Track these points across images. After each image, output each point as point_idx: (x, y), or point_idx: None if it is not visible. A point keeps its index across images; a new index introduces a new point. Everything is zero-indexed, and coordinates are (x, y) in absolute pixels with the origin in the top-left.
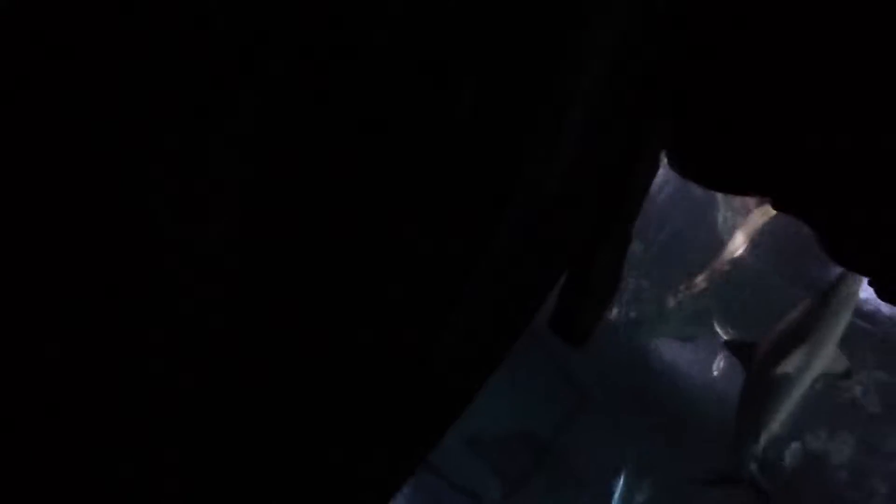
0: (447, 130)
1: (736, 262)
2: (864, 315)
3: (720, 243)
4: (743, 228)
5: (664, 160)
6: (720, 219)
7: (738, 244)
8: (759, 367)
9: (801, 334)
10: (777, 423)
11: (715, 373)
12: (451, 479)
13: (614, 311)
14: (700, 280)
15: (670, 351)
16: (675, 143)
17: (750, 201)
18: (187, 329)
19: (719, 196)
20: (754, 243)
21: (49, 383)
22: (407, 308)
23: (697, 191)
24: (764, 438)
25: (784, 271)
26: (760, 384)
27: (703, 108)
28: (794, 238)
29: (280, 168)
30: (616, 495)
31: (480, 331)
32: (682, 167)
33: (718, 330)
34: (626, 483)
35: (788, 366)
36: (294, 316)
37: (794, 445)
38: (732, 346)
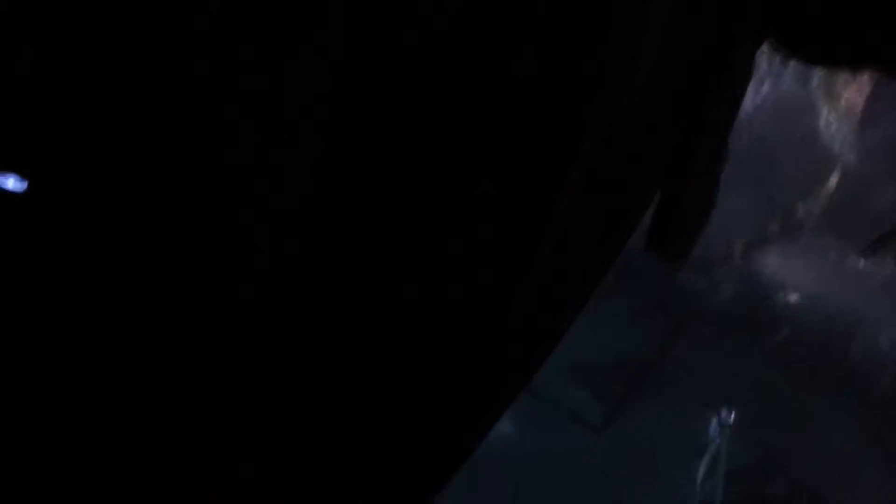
0: (515, 60)
1: (846, 172)
2: None
3: (826, 153)
4: (851, 134)
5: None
6: (823, 125)
7: (846, 152)
8: None
9: None
10: None
11: (823, 289)
12: (551, 404)
13: (712, 231)
14: (806, 191)
15: (775, 269)
16: (777, 16)
17: (856, 102)
18: (263, 286)
19: (820, 100)
20: (865, 149)
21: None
22: (492, 251)
23: (793, 97)
24: None
25: None
26: None
27: None
28: None
29: (353, 116)
30: (718, 419)
31: (570, 267)
32: (791, 42)
33: (829, 245)
34: (729, 407)
35: None
36: (374, 266)
37: None
38: (869, 249)
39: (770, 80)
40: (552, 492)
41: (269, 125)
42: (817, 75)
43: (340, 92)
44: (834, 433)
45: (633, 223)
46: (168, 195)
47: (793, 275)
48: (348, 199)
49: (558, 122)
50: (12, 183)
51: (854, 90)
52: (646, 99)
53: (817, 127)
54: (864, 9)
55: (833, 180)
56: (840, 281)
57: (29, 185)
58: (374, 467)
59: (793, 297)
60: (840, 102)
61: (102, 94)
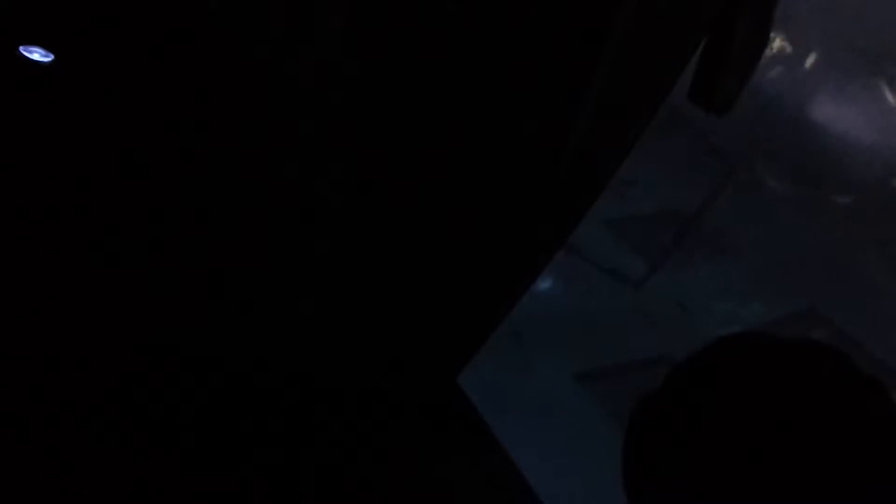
0: None
1: None
2: None
3: None
4: None
5: None
6: None
7: None
8: None
9: None
10: None
11: (871, 139)
12: (594, 259)
13: (760, 77)
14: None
15: (824, 115)
16: None
17: None
18: (308, 134)
19: None
20: None
21: None
22: (532, 99)
23: None
24: None
25: None
26: None
27: None
28: None
29: None
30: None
31: (613, 110)
32: None
33: (886, 89)
34: (776, 255)
35: None
36: (415, 113)
37: None
38: None
39: None
40: (594, 345)
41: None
42: None
43: None
44: (881, 286)
45: (677, 66)
46: (185, 68)
47: (844, 126)
48: (388, 49)
49: None
50: (38, 56)
51: None
52: None
53: None
54: None
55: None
56: (886, 130)
57: (54, 57)
58: (426, 320)
59: (842, 148)
60: None
61: None
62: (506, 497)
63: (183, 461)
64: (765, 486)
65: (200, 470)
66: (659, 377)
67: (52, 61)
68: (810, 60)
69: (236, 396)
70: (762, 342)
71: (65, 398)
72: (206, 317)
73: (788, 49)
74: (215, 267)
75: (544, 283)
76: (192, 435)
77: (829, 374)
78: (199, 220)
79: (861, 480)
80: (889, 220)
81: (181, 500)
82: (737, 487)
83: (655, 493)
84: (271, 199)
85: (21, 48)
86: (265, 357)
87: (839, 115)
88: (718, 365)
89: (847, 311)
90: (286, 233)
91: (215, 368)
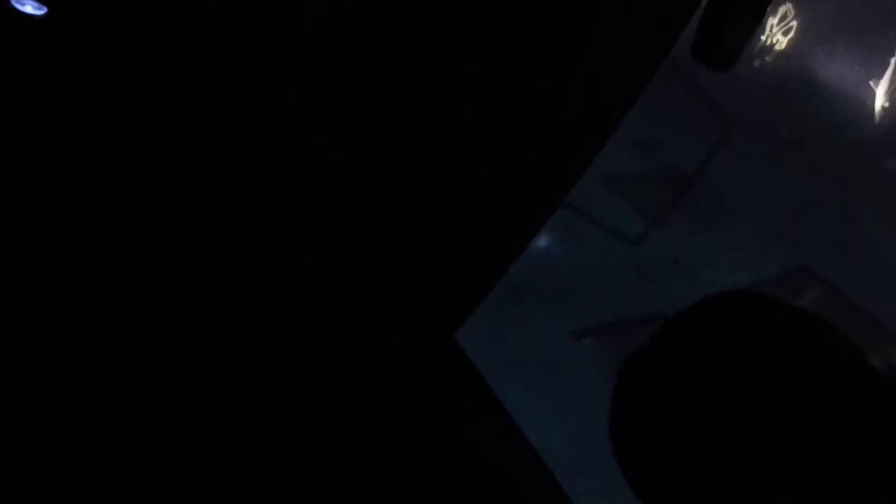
0: None
1: None
2: None
3: None
4: None
5: None
6: None
7: None
8: None
9: None
10: None
11: (879, 104)
12: (591, 216)
13: (762, 34)
14: None
15: (826, 73)
16: None
17: None
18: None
19: None
20: None
21: None
22: (531, 53)
23: None
24: None
25: None
26: None
27: None
28: None
29: None
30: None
31: (613, 66)
32: None
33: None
34: (775, 213)
35: None
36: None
37: None
38: None
39: None
40: (593, 302)
41: None
42: None
43: None
44: (876, 246)
45: (679, 22)
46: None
47: (835, 81)
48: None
49: None
50: (30, 8)
51: None
52: None
53: None
54: None
55: None
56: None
57: (47, 10)
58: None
59: (843, 104)
60: None
61: None
62: (504, 450)
63: (191, 438)
64: (740, 445)
65: (210, 445)
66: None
67: (46, 14)
68: (813, 19)
69: (240, 369)
70: (740, 302)
71: (65, 398)
72: (208, 283)
73: (791, 9)
74: (217, 227)
75: (543, 241)
76: (197, 410)
77: (806, 336)
78: (197, 174)
79: (840, 437)
80: (887, 180)
81: (191, 472)
82: (714, 447)
83: (640, 450)
84: (274, 154)
85: (12, 1)
86: (267, 325)
87: (841, 73)
88: (699, 325)
89: (844, 270)
90: (286, 190)
91: (216, 338)
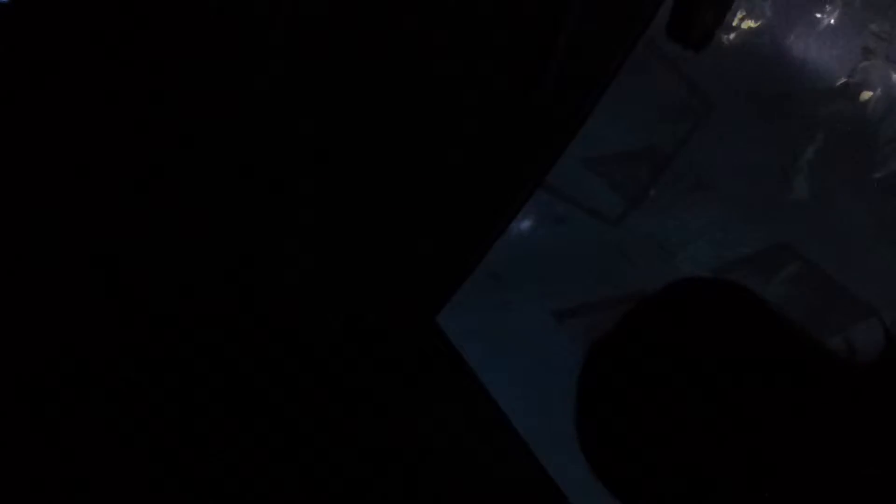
0: None
1: None
2: None
3: None
4: None
5: None
6: None
7: None
8: None
9: None
10: None
11: (856, 75)
12: (570, 197)
13: (736, 13)
14: None
15: (803, 51)
16: None
17: None
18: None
19: None
20: None
21: None
22: (506, 33)
23: None
24: None
25: None
26: None
27: None
28: None
29: None
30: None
31: (588, 46)
32: None
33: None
34: (752, 192)
35: None
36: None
37: None
38: None
39: None
40: (573, 283)
41: None
42: None
43: None
44: (852, 222)
45: (655, 2)
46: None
47: (820, 58)
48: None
49: None
50: None
51: None
52: None
53: None
54: None
55: None
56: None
57: None
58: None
59: (816, 81)
60: None
61: None
62: (486, 435)
63: (179, 420)
64: (699, 437)
65: (199, 423)
66: None
67: (10, 1)
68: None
69: (226, 351)
70: (699, 290)
71: (65, 398)
72: (193, 261)
73: None
74: (199, 209)
75: (523, 223)
76: (194, 409)
77: (764, 325)
78: (183, 162)
79: (800, 420)
80: (864, 159)
81: (182, 453)
82: (676, 436)
83: (602, 447)
84: (254, 140)
85: None
86: (252, 305)
87: (819, 52)
88: (663, 311)
89: (820, 248)
90: (269, 173)
91: (205, 322)
